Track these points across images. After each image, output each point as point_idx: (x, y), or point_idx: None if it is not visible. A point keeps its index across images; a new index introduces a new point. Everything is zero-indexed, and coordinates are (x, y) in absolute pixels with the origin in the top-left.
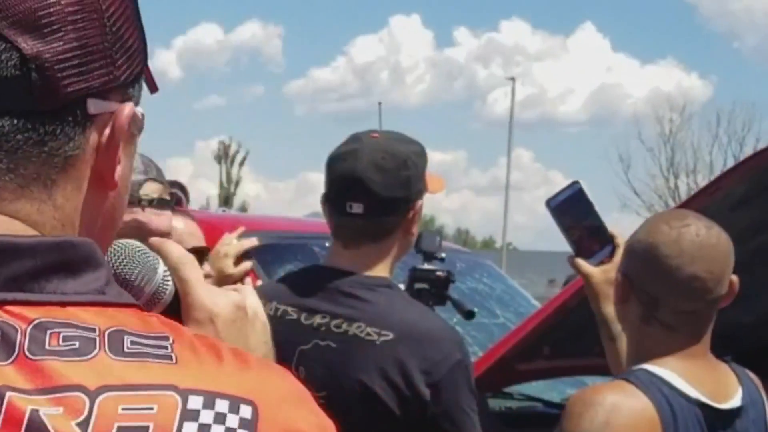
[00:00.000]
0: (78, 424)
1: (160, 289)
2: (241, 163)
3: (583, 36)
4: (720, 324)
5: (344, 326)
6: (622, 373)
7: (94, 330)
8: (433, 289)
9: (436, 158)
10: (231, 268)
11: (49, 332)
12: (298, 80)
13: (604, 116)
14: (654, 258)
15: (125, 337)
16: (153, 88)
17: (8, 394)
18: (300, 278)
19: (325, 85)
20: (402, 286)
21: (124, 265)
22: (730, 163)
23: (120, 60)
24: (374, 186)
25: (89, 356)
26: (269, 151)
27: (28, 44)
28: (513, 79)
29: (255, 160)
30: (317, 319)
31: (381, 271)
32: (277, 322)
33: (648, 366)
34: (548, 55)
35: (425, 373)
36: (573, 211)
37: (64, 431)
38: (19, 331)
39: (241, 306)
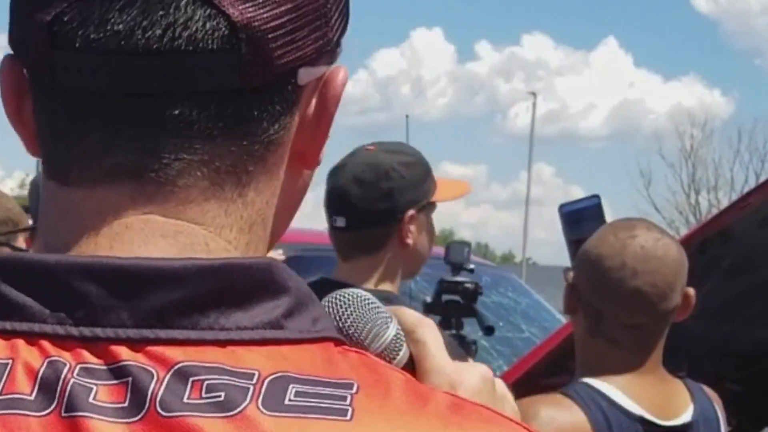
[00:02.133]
0: None
1: (390, 348)
2: None
3: (606, 51)
4: (744, 342)
5: None
6: (563, 387)
7: (252, 376)
8: (462, 301)
9: (456, 172)
10: None
11: (191, 380)
12: None
13: (626, 132)
14: (597, 270)
15: (290, 386)
16: None
17: None
18: None
19: (346, 98)
20: (428, 299)
21: (350, 318)
22: (752, 180)
23: (335, 17)
24: (353, 199)
25: (234, 411)
26: None
27: (237, 10)
28: (534, 93)
29: None
30: None
31: (381, 283)
32: None
33: (590, 380)
34: (570, 70)
35: None
36: (584, 223)
37: None
38: (155, 378)
39: (488, 378)
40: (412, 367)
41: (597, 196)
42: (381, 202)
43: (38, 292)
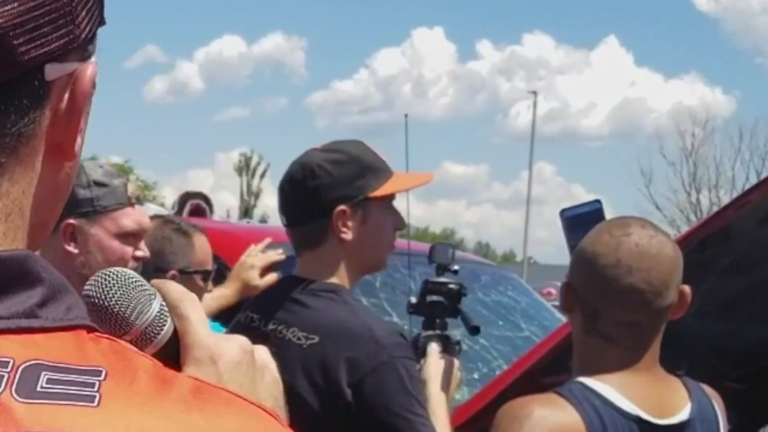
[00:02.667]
0: None
1: (155, 324)
2: (262, 175)
3: (607, 50)
4: (745, 341)
5: (283, 331)
6: (557, 387)
7: (7, 364)
8: (446, 302)
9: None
10: (257, 280)
11: None
12: (320, 92)
13: (627, 131)
14: (593, 268)
15: (42, 373)
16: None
17: None
18: (273, 287)
19: (347, 98)
20: (413, 299)
21: (114, 296)
22: (753, 179)
23: (81, 15)
24: (285, 198)
25: None
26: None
27: None
28: (535, 92)
29: (276, 173)
30: (270, 326)
31: (332, 276)
32: (243, 328)
33: (584, 379)
34: (571, 69)
35: (347, 373)
36: (585, 228)
37: None
38: None
39: (247, 349)
40: (176, 341)
41: (598, 201)
42: (307, 200)
43: None
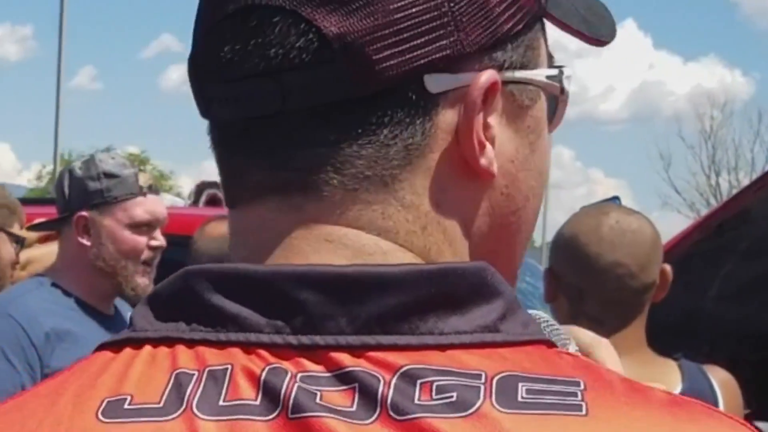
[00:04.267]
0: None
1: None
2: None
3: (625, 33)
4: (762, 324)
5: None
6: None
7: (479, 377)
8: None
9: None
10: None
11: (419, 383)
12: None
13: (646, 114)
14: (575, 248)
15: (519, 385)
16: (583, 38)
17: None
18: None
19: None
20: None
21: None
22: None
23: (468, 23)
24: None
25: (469, 411)
26: None
27: (329, 22)
28: None
29: None
30: None
31: None
32: None
33: None
34: (589, 53)
35: None
36: None
37: None
38: (383, 382)
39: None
40: None
41: (617, 198)
42: None
43: (253, 302)
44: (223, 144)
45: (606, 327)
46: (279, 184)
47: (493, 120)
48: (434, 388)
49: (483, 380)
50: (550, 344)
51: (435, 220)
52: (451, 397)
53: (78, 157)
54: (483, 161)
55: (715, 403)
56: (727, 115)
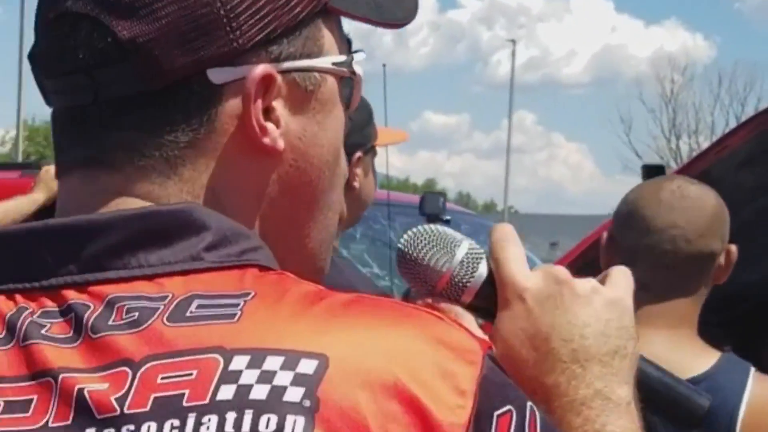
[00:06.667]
0: (117, 399)
1: (463, 270)
2: None
3: None
4: (725, 285)
5: None
6: None
7: (164, 298)
8: None
9: (439, 121)
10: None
11: (116, 307)
12: None
13: (607, 78)
14: (634, 210)
15: (195, 302)
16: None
17: (61, 376)
18: None
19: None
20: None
21: (421, 249)
22: (732, 124)
23: (243, 23)
24: None
25: (142, 327)
26: None
27: (122, 27)
28: (513, 41)
29: None
30: None
31: None
32: None
33: None
34: (551, 16)
35: None
36: None
37: (104, 407)
38: (91, 309)
39: (562, 280)
40: (494, 286)
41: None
42: None
43: (8, 258)
44: (55, 128)
45: (652, 292)
46: (85, 160)
47: (277, 104)
48: (125, 310)
49: (166, 301)
50: (265, 268)
51: (211, 190)
52: (133, 316)
53: (42, 122)
54: (266, 140)
55: (735, 406)
56: (688, 78)
